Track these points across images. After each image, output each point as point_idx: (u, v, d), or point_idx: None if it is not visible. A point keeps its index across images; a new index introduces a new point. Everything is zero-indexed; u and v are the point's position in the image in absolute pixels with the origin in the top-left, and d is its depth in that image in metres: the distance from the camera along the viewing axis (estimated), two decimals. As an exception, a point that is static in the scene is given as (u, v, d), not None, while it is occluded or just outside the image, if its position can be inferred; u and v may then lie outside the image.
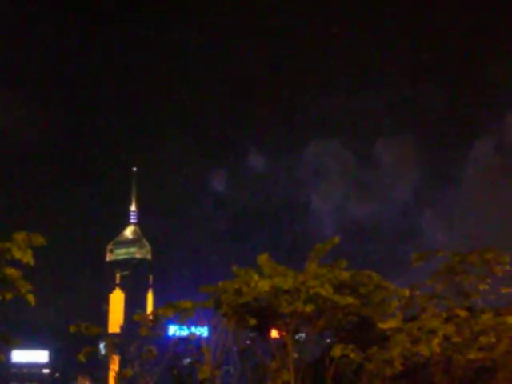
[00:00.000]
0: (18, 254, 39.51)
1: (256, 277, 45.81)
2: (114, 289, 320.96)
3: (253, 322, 45.99)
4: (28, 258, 39.89)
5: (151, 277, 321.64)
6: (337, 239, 50.00)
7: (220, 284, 47.05)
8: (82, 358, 47.27)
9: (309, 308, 44.34)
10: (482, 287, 48.05)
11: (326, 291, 44.17)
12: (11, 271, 39.84)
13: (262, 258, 47.22)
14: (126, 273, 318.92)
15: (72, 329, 47.02)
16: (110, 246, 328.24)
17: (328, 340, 51.09)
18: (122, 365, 50.58)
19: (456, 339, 45.17)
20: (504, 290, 48.20)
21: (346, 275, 46.52)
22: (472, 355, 45.59)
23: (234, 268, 47.23)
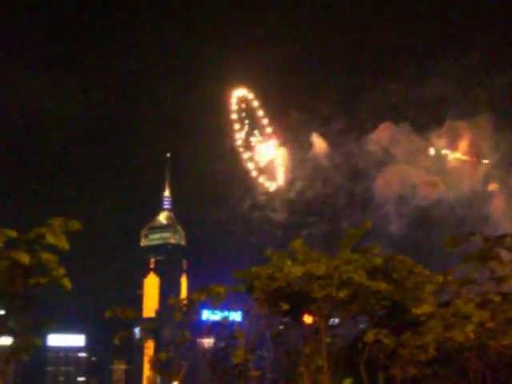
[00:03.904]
0: (51, 240, 40.20)
1: (289, 262, 45.89)
2: (149, 274, 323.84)
3: (286, 306, 46.10)
4: (63, 243, 40.56)
5: (185, 262, 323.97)
6: (369, 224, 49.81)
7: (253, 269, 47.19)
8: (116, 341, 47.90)
9: (342, 293, 44.31)
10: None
11: (359, 276, 44.11)
12: (47, 256, 40.55)
13: (296, 244, 47.24)
14: (160, 258, 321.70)
15: (108, 313, 47.61)
16: (144, 232, 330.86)
17: (361, 325, 51.02)
18: (157, 349, 51.21)
19: (490, 325, 44.87)
20: None
21: (378, 260, 46.41)
22: (506, 340, 45.30)
23: (268, 252, 47.35)
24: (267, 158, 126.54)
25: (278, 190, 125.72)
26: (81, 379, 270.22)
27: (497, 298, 46.55)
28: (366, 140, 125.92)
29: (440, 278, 47.57)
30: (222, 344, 52.38)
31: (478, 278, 48.26)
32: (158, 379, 49.93)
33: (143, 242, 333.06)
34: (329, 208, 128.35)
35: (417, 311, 45.14)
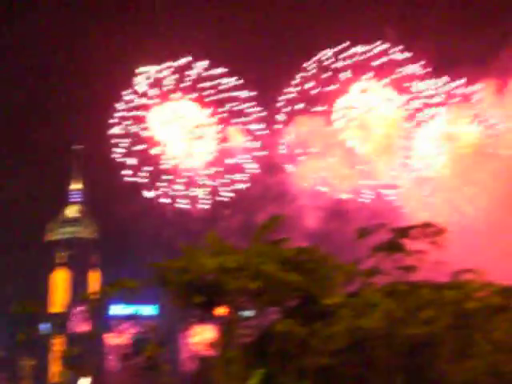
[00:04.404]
0: None
1: (202, 255, 45.90)
2: (57, 269, 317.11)
3: (198, 299, 46.10)
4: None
5: (96, 256, 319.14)
6: (282, 217, 50.63)
7: (165, 262, 46.99)
8: (22, 336, 46.97)
9: (254, 285, 44.62)
10: (421, 262, 49.06)
11: (270, 268, 44.50)
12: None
13: (210, 236, 47.37)
14: (69, 252, 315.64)
15: (14, 308, 46.58)
16: (51, 225, 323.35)
17: (273, 316, 51.48)
18: (66, 344, 50.32)
19: (398, 313, 46.07)
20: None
21: (290, 252, 46.96)
22: (413, 329, 46.55)
23: (181, 245, 47.25)
24: (178, 152, 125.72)
25: (193, 183, 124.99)
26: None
27: (404, 288, 47.86)
28: (283, 132, 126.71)
29: (349, 268, 48.52)
30: (134, 338, 51.98)
31: (386, 269, 49.50)
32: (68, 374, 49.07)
33: (51, 236, 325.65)
34: (245, 200, 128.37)
35: (327, 301, 45.85)
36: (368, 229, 50.24)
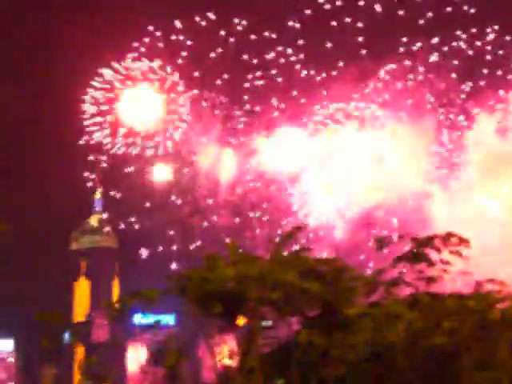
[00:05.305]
0: None
1: (222, 264, 45.85)
2: (79, 277, 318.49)
3: (217, 309, 45.95)
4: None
5: (117, 266, 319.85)
6: (304, 225, 50.63)
7: (185, 272, 47.05)
8: (45, 343, 47.24)
9: (275, 295, 44.42)
10: (445, 273, 48.68)
11: (292, 277, 44.34)
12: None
13: (231, 246, 47.44)
14: (91, 262, 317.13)
15: (37, 317, 46.81)
16: (74, 235, 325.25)
17: (294, 326, 51.31)
18: (87, 353, 50.47)
19: (420, 324, 45.70)
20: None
21: (311, 261, 46.80)
22: (436, 340, 46.15)
23: (202, 255, 47.38)
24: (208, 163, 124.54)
25: (221, 194, 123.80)
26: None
27: (426, 299, 47.49)
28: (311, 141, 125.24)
29: (371, 279, 48.26)
30: (154, 347, 52.00)
31: (409, 279, 49.15)
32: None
33: (74, 246, 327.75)
34: (273, 210, 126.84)
35: (348, 312, 45.60)
36: (386, 239, 49.99)
